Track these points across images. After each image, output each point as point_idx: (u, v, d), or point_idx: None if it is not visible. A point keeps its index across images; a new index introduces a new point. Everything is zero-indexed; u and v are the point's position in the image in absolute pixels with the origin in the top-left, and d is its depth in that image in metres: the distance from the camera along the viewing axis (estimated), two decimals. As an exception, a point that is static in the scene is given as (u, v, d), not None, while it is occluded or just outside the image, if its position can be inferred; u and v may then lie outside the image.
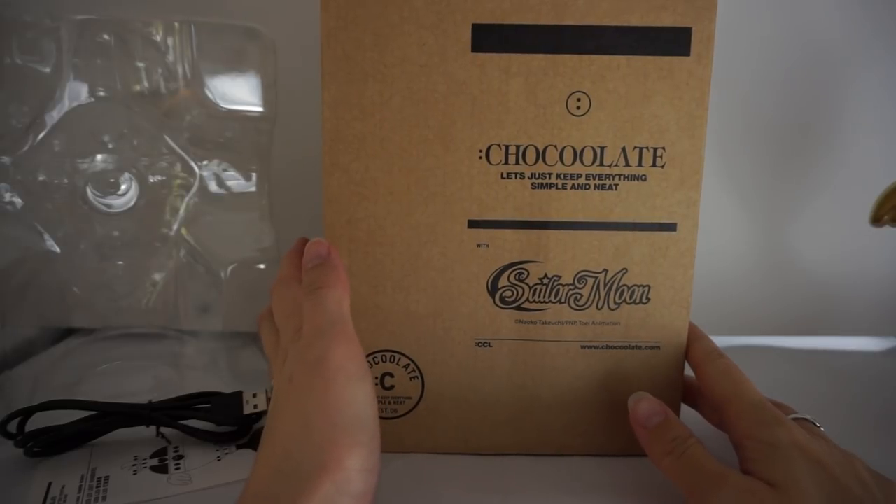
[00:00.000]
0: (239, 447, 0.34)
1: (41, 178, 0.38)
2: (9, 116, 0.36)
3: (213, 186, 0.40)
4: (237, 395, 0.34)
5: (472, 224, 0.30)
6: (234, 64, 0.39)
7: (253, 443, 0.34)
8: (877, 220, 0.38)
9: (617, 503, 0.30)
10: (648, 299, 0.31)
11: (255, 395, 0.35)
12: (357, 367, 0.25)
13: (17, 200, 0.37)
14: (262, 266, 0.40)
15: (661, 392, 0.31)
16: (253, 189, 0.41)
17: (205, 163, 0.40)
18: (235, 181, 0.41)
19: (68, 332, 0.47)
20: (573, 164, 0.30)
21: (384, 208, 0.31)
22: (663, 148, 0.30)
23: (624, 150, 0.30)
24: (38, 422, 0.32)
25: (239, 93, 0.39)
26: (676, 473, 0.27)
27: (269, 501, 0.22)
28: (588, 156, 0.30)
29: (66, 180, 0.38)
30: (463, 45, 0.29)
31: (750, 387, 0.28)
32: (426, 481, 0.30)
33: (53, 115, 0.37)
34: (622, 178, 0.30)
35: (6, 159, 0.37)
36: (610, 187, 0.30)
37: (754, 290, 0.50)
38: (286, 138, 0.43)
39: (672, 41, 0.29)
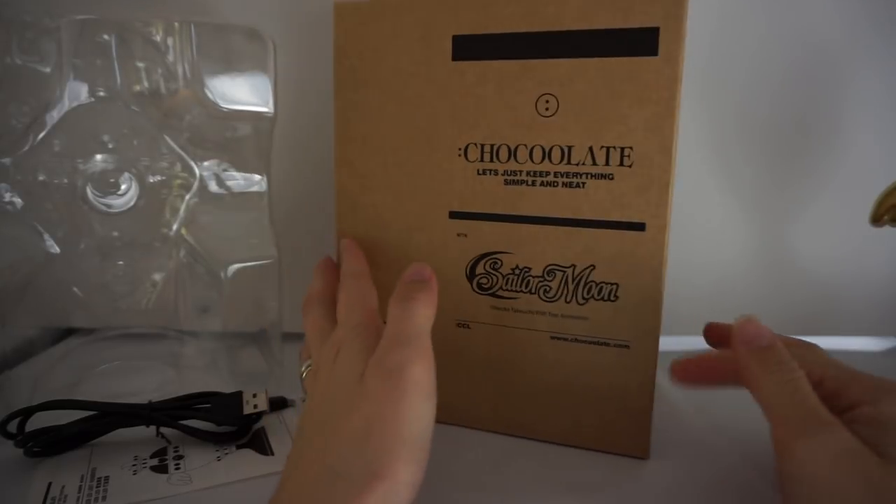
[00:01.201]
0: (239, 447, 0.34)
1: (41, 178, 0.38)
2: (9, 116, 0.36)
3: (213, 186, 0.40)
4: (237, 395, 0.34)
5: (453, 215, 0.33)
6: (234, 64, 0.39)
7: (253, 443, 0.34)
8: (877, 220, 0.38)
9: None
10: (617, 297, 0.31)
11: (255, 395, 0.35)
12: (431, 385, 0.25)
13: (17, 200, 0.37)
14: (262, 266, 0.40)
15: (631, 393, 0.32)
16: (253, 189, 0.41)
17: (205, 163, 0.40)
18: (235, 181, 0.41)
19: (68, 332, 0.47)
20: (542, 162, 0.31)
21: (382, 198, 0.35)
22: (631, 148, 0.30)
23: (591, 149, 0.30)
24: (38, 422, 0.32)
25: (239, 93, 0.39)
26: (774, 397, 0.24)
27: (318, 500, 0.22)
28: (556, 155, 0.31)
29: (66, 180, 0.38)
30: (445, 55, 0.32)
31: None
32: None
33: (53, 115, 0.37)
34: (589, 176, 0.31)
35: (6, 159, 0.37)
36: (577, 185, 0.31)
37: (754, 289, 0.50)
38: (286, 138, 0.43)
39: (639, 42, 0.29)
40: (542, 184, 0.31)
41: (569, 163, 0.31)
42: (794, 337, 0.29)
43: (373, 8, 0.33)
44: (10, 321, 0.40)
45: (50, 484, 0.30)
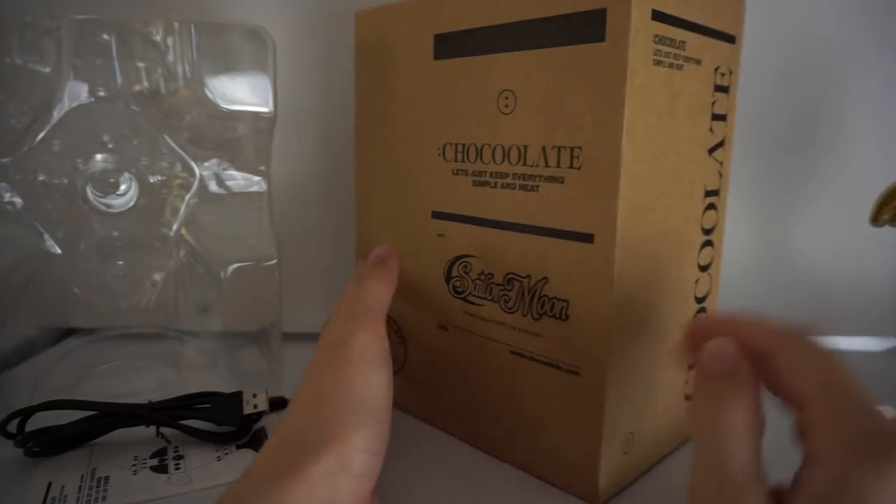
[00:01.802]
0: (239, 447, 0.34)
1: (41, 178, 0.38)
2: (9, 116, 0.36)
3: (213, 186, 0.40)
4: (237, 395, 0.34)
5: (435, 215, 0.33)
6: (234, 64, 0.39)
7: (253, 443, 0.34)
8: (877, 220, 0.38)
9: None
10: (567, 316, 0.28)
11: (255, 395, 0.35)
12: (376, 354, 0.26)
13: (17, 200, 0.37)
14: (262, 266, 0.40)
15: (580, 428, 0.28)
16: (253, 189, 0.41)
17: (205, 163, 0.40)
18: (235, 181, 0.41)
19: (68, 332, 0.47)
20: (502, 163, 0.29)
21: (383, 195, 0.36)
22: (580, 147, 0.26)
23: (544, 149, 0.28)
24: (38, 422, 0.32)
25: (239, 93, 0.39)
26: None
27: (274, 467, 0.23)
28: (514, 155, 0.29)
29: (66, 180, 0.38)
30: (428, 54, 0.32)
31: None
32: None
33: (53, 115, 0.37)
34: (542, 179, 0.28)
35: (6, 159, 0.37)
36: (532, 188, 0.28)
37: (754, 289, 0.50)
38: (286, 138, 0.43)
39: (586, 27, 0.25)
40: (502, 185, 0.30)
41: (524, 164, 0.28)
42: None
43: (381, 14, 0.35)
44: (10, 321, 0.40)
45: (50, 484, 0.30)
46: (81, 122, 0.37)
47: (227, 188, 0.41)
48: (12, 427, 0.32)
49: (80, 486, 0.30)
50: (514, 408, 0.31)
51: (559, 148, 0.27)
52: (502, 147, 0.29)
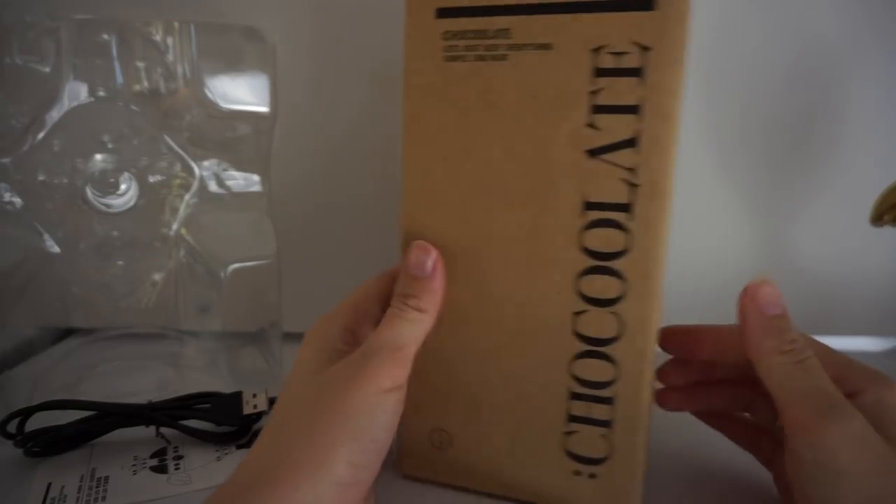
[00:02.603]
0: (239, 447, 0.34)
1: (41, 178, 0.37)
2: (9, 116, 0.36)
3: (212, 186, 0.40)
4: (237, 396, 0.34)
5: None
6: (234, 64, 0.39)
7: (253, 443, 0.34)
8: (877, 219, 0.38)
9: None
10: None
11: (254, 396, 0.35)
12: (391, 383, 0.24)
13: (17, 200, 0.37)
14: (261, 266, 0.40)
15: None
16: (253, 189, 0.41)
17: (205, 163, 0.40)
18: (235, 181, 0.41)
19: (68, 332, 0.47)
20: None
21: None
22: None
23: None
24: (38, 422, 0.32)
25: (239, 93, 0.39)
26: (790, 379, 0.23)
27: (257, 474, 0.23)
28: None
29: (66, 180, 0.38)
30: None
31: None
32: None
33: (53, 115, 0.36)
34: None
35: (6, 159, 0.37)
36: None
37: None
38: (286, 138, 0.43)
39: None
40: None
41: None
42: None
43: None
44: (10, 321, 0.40)
45: (50, 484, 0.30)
46: (81, 122, 0.37)
47: (227, 188, 0.41)
48: (12, 427, 0.32)
49: (80, 486, 0.30)
50: None
51: None
52: None
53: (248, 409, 0.34)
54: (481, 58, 0.25)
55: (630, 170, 0.24)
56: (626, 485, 0.27)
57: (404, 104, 0.27)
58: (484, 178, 0.26)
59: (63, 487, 0.30)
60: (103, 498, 0.29)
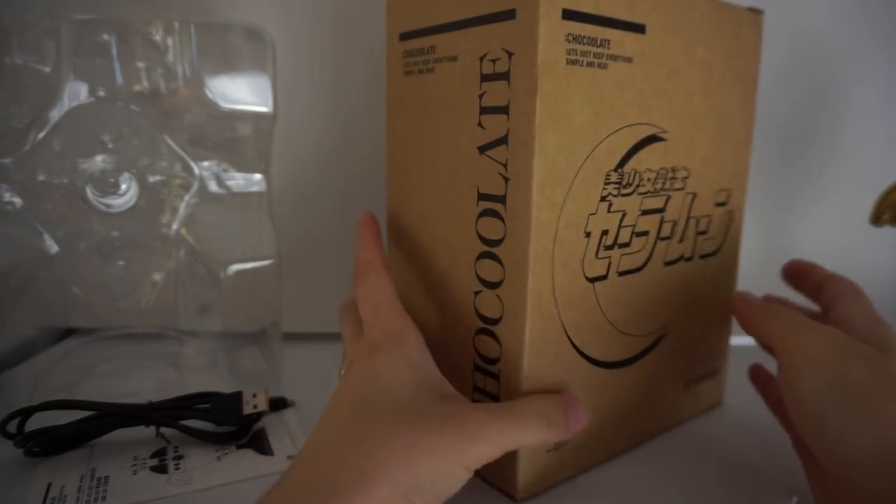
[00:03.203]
0: (239, 447, 0.34)
1: (41, 178, 0.37)
2: (9, 116, 0.36)
3: (212, 186, 0.40)
4: (237, 395, 0.34)
5: None
6: (234, 64, 0.39)
7: (253, 443, 0.34)
8: (877, 219, 0.38)
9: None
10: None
11: (254, 396, 0.35)
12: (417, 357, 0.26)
13: (17, 200, 0.37)
14: (261, 266, 0.40)
15: None
16: (253, 189, 0.41)
17: (205, 163, 0.40)
18: (235, 181, 0.41)
19: (68, 332, 0.47)
20: None
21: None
22: None
23: None
24: (38, 422, 0.32)
25: (239, 93, 0.39)
26: (767, 321, 0.29)
27: (324, 491, 0.22)
28: None
29: (66, 180, 0.38)
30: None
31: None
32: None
33: (53, 115, 0.36)
34: None
35: (6, 159, 0.37)
36: None
37: (754, 289, 0.50)
38: (286, 138, 0.43)
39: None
40: None
41: None
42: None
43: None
44: (10, 321, 0.40)
45: (50, 484, 0.30)
46: (81, 122, 0.37)
47: (227, 188, 0.41)
48: (12, 427, 0.32)
49: (80, 486, 0.30)
50: None
51: None
52: None
53: (248, 409, 0.34)
54: (421, 71, 0.30)
55: (503, 165, 0.27)
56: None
57: (387, 114, 0.34)
58: (427, 171, 0.31)
59: (63, 487, 0.30)
60: (103, 498, 0.29)
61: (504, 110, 0.26)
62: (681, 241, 0.33)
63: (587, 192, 0.28)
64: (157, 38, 0.37)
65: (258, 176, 0.41)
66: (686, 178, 0.32)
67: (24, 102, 0.36)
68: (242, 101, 0.39)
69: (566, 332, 0.28)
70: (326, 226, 0.49)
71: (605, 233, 0.29)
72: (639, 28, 0.28)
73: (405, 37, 0.31)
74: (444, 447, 0.23)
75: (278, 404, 0.37)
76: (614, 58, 0.27)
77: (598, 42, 0.26)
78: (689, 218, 0.33)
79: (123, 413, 0.33)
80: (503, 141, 0.26)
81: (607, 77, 0.27)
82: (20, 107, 0.36)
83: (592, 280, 0.29)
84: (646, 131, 0.29)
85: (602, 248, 0.29)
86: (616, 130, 0.28)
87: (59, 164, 0.38)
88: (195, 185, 0.40)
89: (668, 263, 0.33)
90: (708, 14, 0.31)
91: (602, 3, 0.26)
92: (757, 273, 0.51)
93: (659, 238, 0.32)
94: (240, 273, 0.39)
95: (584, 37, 0.26)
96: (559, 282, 0.27)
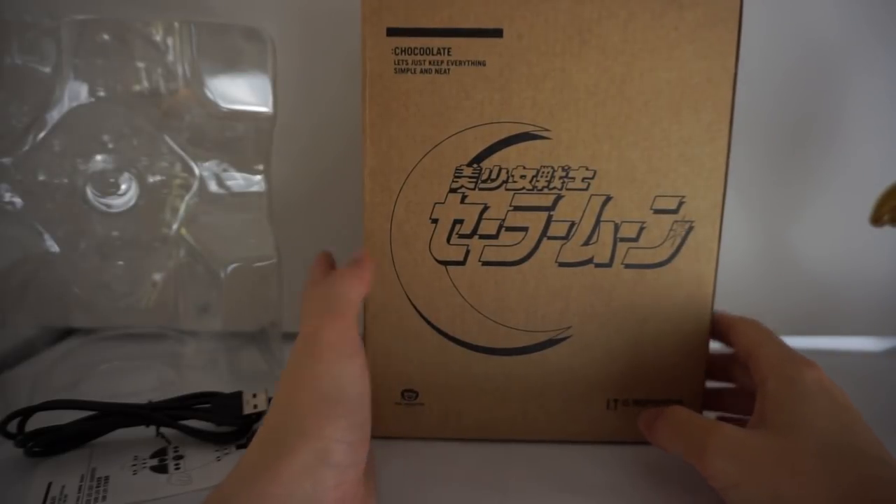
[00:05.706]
0: (239, 447, 0.34)
1: (41, 178, 0.38)
2: (9, 116, 0.36)
3: (212, 186, 0.40)
4: (237, 395, 0.34)
5: None
6: (234, 64, 0.39)
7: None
8: (877, 220, 0.38)
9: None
10: None
11: (255, 396, 0.35)
12: (348, 346, 0.26)
13: (17, 200, 0.37)
14: (261, 266, 0.40)
15: None
16: (253, 189, 0.41)
17: (205, 163, 0.40)
18: (235, 181, 0.41)
19: (68, 332, 0.47)
20: None
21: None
22: None
23: None
24: (38, 422, 0.32)
25: (239, 93, 0.39)
26: (670, 433, 0.29)
27: (253, 466, 0.23)
28: None
29: (66, 180, 0.38)
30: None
31: (780, 340, 0.30)
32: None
33: (53, 115, 0.37)
34: None
35: (6, 159, 0.37)
36: None
37: (754, 289, 0.50)
38: (286, 138, 0.43)
39: None
40: None
41: None
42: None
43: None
44: (10, 321, 0.40)
45: (50, 484, 0.30)
46: (81, 122, 0.37)
47: (227, 188, 0.41)
48: (12, 427, 0.32)
49: (80, 486, 0.30)
50: None
51: None
52: None
53: (248, 409, 0.34)
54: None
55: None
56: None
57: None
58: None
59: (63, 487, 0.30)
60: (103, 498, 0.29)
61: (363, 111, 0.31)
62: (586, 244, 0.32)
63: (430, 182, 0.31)
64: (157, 38, 0.37)
65: (258, 176, 0.41)
66: (590, 178, 0.31)
67: (24, 102, 0.36)
68: (242, 101, 0.39)
69: (412, 304, 0.32)
70: (326, 226, 0.49)
71: (459, 222, 0.31)
72: (494, 32, 0.29)
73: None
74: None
75: (278, 404, 0.37)
76: (458, 63, 0.30)
77: (435, 51, 0.29)
78: (599, 221, 0.32)
79: (123, 413, 0.33)
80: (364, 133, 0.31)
81: (449, 81, 0.30)
82: (20, 107, 0.36)
83: (444, 263, 0.32)
84: (513, 129, 0.30)
85: (455, 235, 0.31)
86: (468, 128, 0.30)
87: (59, 164, 0.38)
88: (195, 185, 0.40)
89: (564, 265, 0.32)
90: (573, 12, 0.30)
91: (435, 16, 0.29)
92: (757, 274, 0.51)
93: (546, 237, 0.31)
94: (240, 273, 0.39)
95: (416, 48, 0.29)
96: (400, 257, 0.31)
